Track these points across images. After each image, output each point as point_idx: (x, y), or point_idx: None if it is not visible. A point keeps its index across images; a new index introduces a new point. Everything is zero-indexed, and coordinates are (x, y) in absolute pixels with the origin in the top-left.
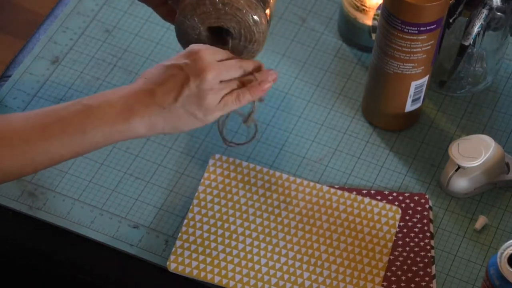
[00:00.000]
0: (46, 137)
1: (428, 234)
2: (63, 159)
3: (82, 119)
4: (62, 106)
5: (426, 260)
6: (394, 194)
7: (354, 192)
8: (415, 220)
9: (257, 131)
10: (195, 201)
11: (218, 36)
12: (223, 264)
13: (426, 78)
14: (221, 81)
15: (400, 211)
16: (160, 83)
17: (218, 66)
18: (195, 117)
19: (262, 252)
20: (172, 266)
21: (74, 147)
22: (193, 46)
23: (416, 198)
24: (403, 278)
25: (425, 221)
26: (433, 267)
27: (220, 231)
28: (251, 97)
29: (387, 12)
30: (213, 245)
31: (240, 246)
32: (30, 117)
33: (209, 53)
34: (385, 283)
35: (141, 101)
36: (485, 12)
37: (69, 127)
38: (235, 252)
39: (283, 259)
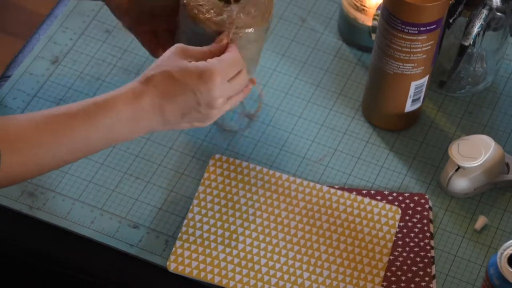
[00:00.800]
0: (54, 144)
1: (428, 234)
2: (66, 163)
3: (89, 129)
4: (72, 113)
5: (426, 260)
6: (394, 194)
7: (354, 192)
8: (415, 220)
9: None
10: (195, 201)
11: None
12: (223, 264)
13: (426, 78)
14: None
15: (400, 211)
16: (171, 101)
17: (227, 91)
18: (194, 126)
19: (262, 252)
20: (172, 266)
21: (78, 153)
22: (208, 67)
23: (416, 198)
24: (403, 278)
25: (425, 221)
26: (433, 267)
27: (220, 231)
28: (240, 99)
29: (387, 12)
30: (213, 245)
31: (240, 246)
32: (39, 122)
33: (221, 79)
34: (385, 283)
35: (149, 116)
36: (485, 12)
37: (77, 135)
38: (235, 252)
39: (283, 259)
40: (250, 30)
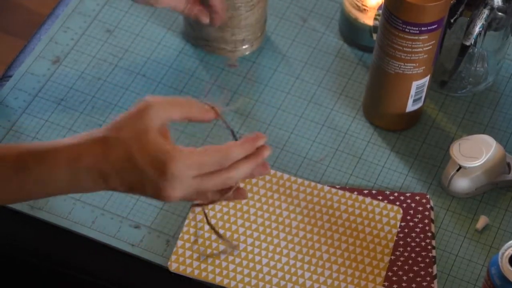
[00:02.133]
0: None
1: (429, 234)
2: (9, 204)
3: (24, 184)
4: (7, 164)
5: (427, 260)
6: (395, 194)
7: (355, 192)
8: (416, 220)
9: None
10: (196, 201)
11: None
12: (224, 264)
13: (427, 78)
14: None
15: (401, 211)
16: (116, 174)
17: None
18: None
19: (263, 252)
20: (173, 266)
21: (15, 200)
22: (165, 155)
23: (417, 198)
24: (404, 278)
25: (426, 221)
26: (434, 267)
27: (221, 231)
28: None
29: (388, 12)
30: (214, 245)
31: (241, 246)
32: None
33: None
34: (386, 283)
35: (89, 180)
36: (486, 12)
37: (11, 186)
38: (236, 252)
39: (284, 259)
40: None
